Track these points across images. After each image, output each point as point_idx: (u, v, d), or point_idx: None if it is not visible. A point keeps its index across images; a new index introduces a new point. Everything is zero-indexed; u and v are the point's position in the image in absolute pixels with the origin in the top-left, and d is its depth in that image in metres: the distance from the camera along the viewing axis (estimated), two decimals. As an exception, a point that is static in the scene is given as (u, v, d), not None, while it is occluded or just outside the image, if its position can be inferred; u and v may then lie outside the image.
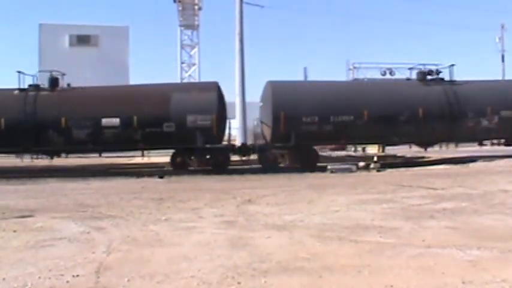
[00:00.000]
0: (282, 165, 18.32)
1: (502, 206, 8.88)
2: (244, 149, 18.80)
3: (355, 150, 26.59)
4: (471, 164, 18.12)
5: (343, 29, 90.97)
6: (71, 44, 31.94)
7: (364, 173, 16.67)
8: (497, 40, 44.00)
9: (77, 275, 4.95)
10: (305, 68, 34.33)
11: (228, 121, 18.72)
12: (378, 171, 17.09)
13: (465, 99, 18.89)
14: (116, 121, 17.34)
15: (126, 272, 5.03)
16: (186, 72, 31.98)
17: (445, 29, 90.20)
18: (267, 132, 18.51)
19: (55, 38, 31.65)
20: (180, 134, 17.18)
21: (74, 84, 18.89)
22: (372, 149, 26.64)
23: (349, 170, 16.95)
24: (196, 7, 31.99)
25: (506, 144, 20.63)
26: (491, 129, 19.04)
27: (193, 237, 6.73)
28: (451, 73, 19.67)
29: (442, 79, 19.64)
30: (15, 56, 72.72)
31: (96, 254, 5.83)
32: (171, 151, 19.03)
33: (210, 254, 5.75)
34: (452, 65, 19.77)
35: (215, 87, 18.19)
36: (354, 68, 28.99)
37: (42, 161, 20.05)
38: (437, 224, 7.32)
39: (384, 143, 21.82)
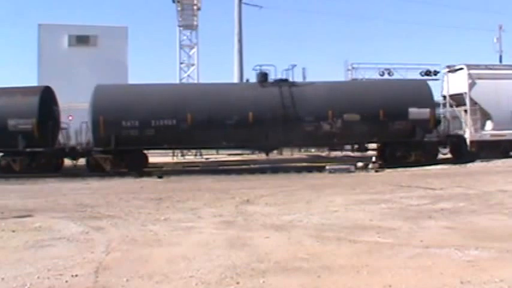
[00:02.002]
0: (108, 169, 17.39)
1: (500, 206, 8.91)
2: (72, 153, 18.30)
3: (354, 151, 26.56)
4: (469, 164, 18.13)
5: (342, 29, 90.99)
6: (70, 44, 31.83)
7: (362, 173, 16.69)
8: (495, 41, 43.95)
9: (76, 275, 4.96)
10: (304, 69, 34.30)
11: (63, 124, 18.70)
12: (376, 171, 17.11)
13: (303, 101, 17.81)
14: None
15: (125, 272, 5.04)
16: (185, 72, 31.95)
17: (444, 30, 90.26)
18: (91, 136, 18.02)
19: (54, 38, 31.56)
20: (1, 138, 17.05)
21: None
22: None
23: (348, 170, 16.96)
24: (195, 7, 31.93)
25: (358, 150, 19.70)
26: (335, 134, 17.90)
27: (192, 237, 6.74)
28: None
29: (286, 80, 18.52)
30: (14, 56, 72.62)
31: (95, 254, 5.84)
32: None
33: (209, 254, 5.76)
34: (294, 66, 18.98)
35: (39, 91, 17.99)
36: (353, 68, 29.00)
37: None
38: (436, 224, 7.33)
39: (211, 147, 20.87)
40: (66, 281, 4.80)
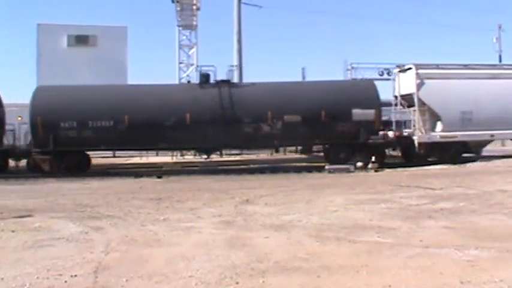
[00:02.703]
0: (47, 170, 17.51)
1: (500, 206, 8.90)
2: (14, 154, 18.29)
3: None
4: (469, 164, 18.10)
5: (341, 29, 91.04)
6: (69, 44, 31.82)
7: (362, 173, 16.68)
8: (494, 40, 44.02)
9: (75, 275, 4.95)
10: (303, 69, 34.31)
11: (9, 126, 18.68)
12: (376, 171, 17.10)
13: (242, 103, 17.64)
14: None
15: (124, 272, 5.03)
16: (184, 72, 31.95)
17: (443, 29, 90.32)
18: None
19: (53, 38, 31.53)
20: None
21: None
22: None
23: (347, 170, 16.95)
24: (194, 7, 31.92)
25: (303, 152, 19.34)
26: (275, 136, 17.66)
27: (191, 237, 6.73)
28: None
29: (227, 81, 18.40)
30: (13, 57, 72.59)
31: (94, 254, 5.83)
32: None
33: (209, 254, 5.75)
34: (232, 66, 18.72)
35: None
36: (352, 68, 28.96)
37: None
38: (435, 224, 7.33)
39: (150, 149, 20.58)
40: (66, 281, 4.80)
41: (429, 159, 19.12)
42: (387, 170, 17.03)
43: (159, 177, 15.91)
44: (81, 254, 5.84)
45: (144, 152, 22.29)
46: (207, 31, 69.32)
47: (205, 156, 19.34)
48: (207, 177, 15.75)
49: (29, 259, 5.63)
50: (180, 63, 32.04)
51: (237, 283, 4.68)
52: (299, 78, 32.56)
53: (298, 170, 17.70)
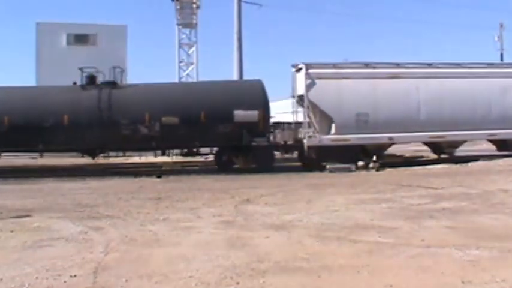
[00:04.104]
0: None
1: (501, 205, 8.88)
2: None
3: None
4: (470, 164, 18.02)
5: (342, 28, 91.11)
6: (68, 43, 31.77)
7: (363, 173, 16.65)
8: (496, 39, 44.07)
9: (75, 275, 4.93)
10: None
11: None
12: (377, 170, 17.06)
13: (121, 104, 17.30)
14: None
15: (124, 272, 5.00)
16: (184, 71, 31.94)
17: (444, 28, 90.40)
18: None
19: (52, 37, 31.47)
20: None
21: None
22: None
23: (348, 170, 16.91)
24: (194, 6, 31.94)
25: (188, 154, 18.86)
26: (153, 138, 17.19)
27: (191, 237, 6.71)
28: (116, 76, 18.05)
29: (112, 83, 17.99)
30: (12, 55, 72.58)
31: (93, 254, 5.80)
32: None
33: (209, 254, 5.73)
34: (115, 67, 18.38)
35: None
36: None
37: (40, 160, 19.96)
38: (437, 224, 7.31)
39: (31, 150, 19.53)
40: (65, 282, 4.77)
41: (322, 164, 17.81)
42: (388, 170, 16.98)
43: (159, 176, 15.87)
44: (80, 254, 5.81)
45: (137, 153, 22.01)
46: (207, 30, 69.25)
47: (91, 158, 18.99)
48: (207, 176, 15.71)
49: (28, 259, 5.60)
50: (180, 62, 32.05)
51: (237, 283, 4.66)
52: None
53: (299, 169, 17.66)
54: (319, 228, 7.15)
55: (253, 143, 17.28)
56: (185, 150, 18.78)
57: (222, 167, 17.67)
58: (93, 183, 14.27)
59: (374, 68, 18.75)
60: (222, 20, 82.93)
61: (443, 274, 4.84)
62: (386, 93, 18.19)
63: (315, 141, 17.85)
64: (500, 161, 18.20)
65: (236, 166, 17.93)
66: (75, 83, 18.18)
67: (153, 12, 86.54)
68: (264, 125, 17.52)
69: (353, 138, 17.79)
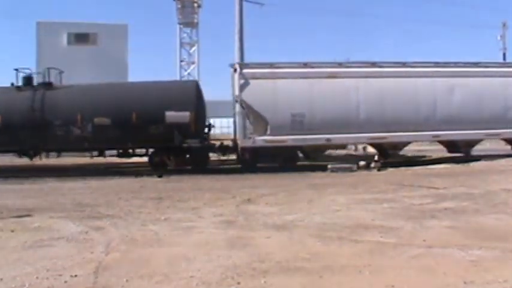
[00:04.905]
0: None
1: (504, 205, 8.85)
2: None
3: (356, 150, 26.49)
4: (472, 163, 17.95)
5: (343, 26, 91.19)
6: (69, 42, 31.71)
7: (364, 172, 16.60)
8: (498, 38, 43.98)
9: (75, 275, 4.91)
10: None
11: None
12: (379, 170, 17.02)
13: (54, 105, 17.24)
14: None
15: (124, 272, 4.99)
16: (186, 70, 31.95)
17: (446, 27, 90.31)
18: None
19: (53, 36, 31.41)
20: None
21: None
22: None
23: (350, 169, 16.87)
24: (195, 5, 31.96)
25: (123, 155, 18.52)
26: (86, 138, 17.18)
27: (192, 237, 6.69)
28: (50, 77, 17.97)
29: (48, 84, 17.87)
30: (13, 55, 72.73)
31: (94, 254, 5.79)
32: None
33: (210, 254, 5.71)
34: (49, 69, 18.26)
35: None
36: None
37: (41, 160, 19.94)
38: (439, 224, 7.28)
39: None
40: (66, 281, 4.76)
41: (258, 165, 17.46)
42: (390, 169, 16.94)
43: (160, 176, 15.86)
44: (81, 254, 5.80)
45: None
46: (208, 29, 69.28)
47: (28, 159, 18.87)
48: (208, 176, 15.69)
49: (28, 259, 5.59)
50: (181, 61, 32.07)
51: (239, 283, 4.64)
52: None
53: (301, 169, 17.63)
54: (321, 228, 7.13)
55: (185, 144, 17.28)
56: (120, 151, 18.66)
57: (155, 168, 17.55)
58: (94, 183, 14.26)
59: (312, 67, 18.39)
60: (224, 19, 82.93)
61: (445, 274, 4.82)
62: (324, 93, 17.77)
63: (248, 143, 17.60)
64: (503, 161, 18.15)
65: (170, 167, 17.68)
66: (12, 84, 18.24)
67: (154, 12, 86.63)
68: (196, 126, 17.41)
69: (289, 139, 17.47)
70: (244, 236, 6.69)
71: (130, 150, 18.38)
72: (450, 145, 19.69)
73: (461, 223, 7.33)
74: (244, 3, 26.90)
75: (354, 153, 25.14)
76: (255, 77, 17.70)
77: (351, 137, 18.56)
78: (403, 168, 17.04)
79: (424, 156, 22.47)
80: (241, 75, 17.64)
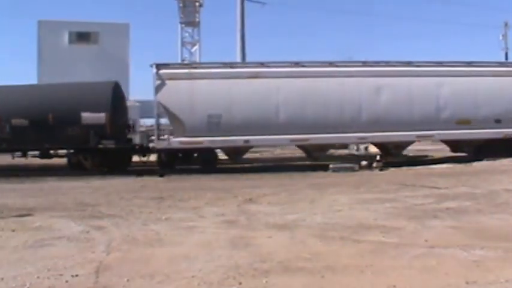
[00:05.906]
0: None
1: (506, 205, 8.82)
2: None
3: (358, 149, 26.46)
4: (475, 163, 17.87)
5: (345, 25, 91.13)
6: (70, 41, 31.66)
7: (366, 172, 16.57)
8: (500, 38, 43.95)
9: (76, 275, 4.91)
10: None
11: None
12: (381, 170, 16.98)
13: None
14: None
15: (125, 272, 4.98)
16: (187, 70, 31.85)
17: (448, 27, 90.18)
18: None
19: (54, 35, 31.36)
20: None
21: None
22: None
23: (352, 169, 16.84)
24: (197, 4, 31.93)
25: (43, 156, 18.41)
26: (4, 139, 17.15)
27: (194, 237, 6.68)
28: None
29: None
30: (14, 54, 72.77)
31: (95, 254, 5.78)
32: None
33: (211, 253, 5.70)
34: None
35: None
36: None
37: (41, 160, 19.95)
38: (441, 224, 7.26)
39: None
40: (67, 281, 4.75)
41: (177, 167, 17.51)
42: (392, 169, 16.91)
43: (161, 175, 15.85)
44: (82, 253, 5.79)
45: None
46: (210, 28, 69.25)
47: None
48: (210, 176, 15.67)
49: (29, 259, 5.58)
50: (183, 60, 31.99)
51: (240, 283, 4.63)
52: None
53: (302, 168, 17.61)
54: (323, 228, 7.11)
55: (100, 146, 17.23)
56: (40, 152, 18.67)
57: (72, 169, 17.53)
58: (95, 182, 14.25)
59: (232, 67, 18.25)
60: (225, 18, 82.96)
61: (447, 274, 4.80)
62: (243, 93, 17.41)
63: (163, 144, 17.33)
64: (505, 161, 18.06)
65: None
66: None
67: (156, 11, 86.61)
68: (112, 127, 17.31)
69: (206, 140, 17.19)
70: (246, 235, 6.67)
71: (52, 151, 18.41)
72: (382, 148, 19.29)
73: (464, 223, 7.31)
74: (246, 2, 26.96)
75: (355, 153, 25.09)
76: (172, 77, 17.40)
77: (271, 139, 17.91)
78: (405, 168, 17.00)
79: (426, 156, 22.44)
80: (158, 75, 17.30)
